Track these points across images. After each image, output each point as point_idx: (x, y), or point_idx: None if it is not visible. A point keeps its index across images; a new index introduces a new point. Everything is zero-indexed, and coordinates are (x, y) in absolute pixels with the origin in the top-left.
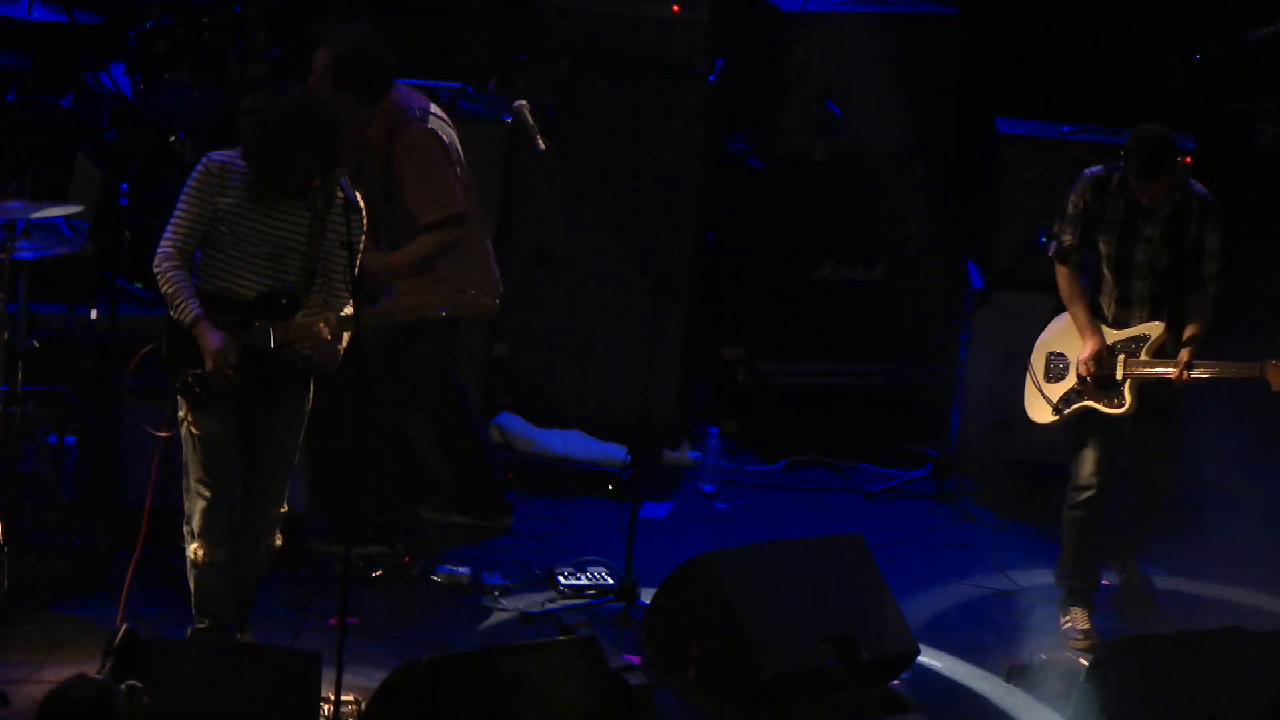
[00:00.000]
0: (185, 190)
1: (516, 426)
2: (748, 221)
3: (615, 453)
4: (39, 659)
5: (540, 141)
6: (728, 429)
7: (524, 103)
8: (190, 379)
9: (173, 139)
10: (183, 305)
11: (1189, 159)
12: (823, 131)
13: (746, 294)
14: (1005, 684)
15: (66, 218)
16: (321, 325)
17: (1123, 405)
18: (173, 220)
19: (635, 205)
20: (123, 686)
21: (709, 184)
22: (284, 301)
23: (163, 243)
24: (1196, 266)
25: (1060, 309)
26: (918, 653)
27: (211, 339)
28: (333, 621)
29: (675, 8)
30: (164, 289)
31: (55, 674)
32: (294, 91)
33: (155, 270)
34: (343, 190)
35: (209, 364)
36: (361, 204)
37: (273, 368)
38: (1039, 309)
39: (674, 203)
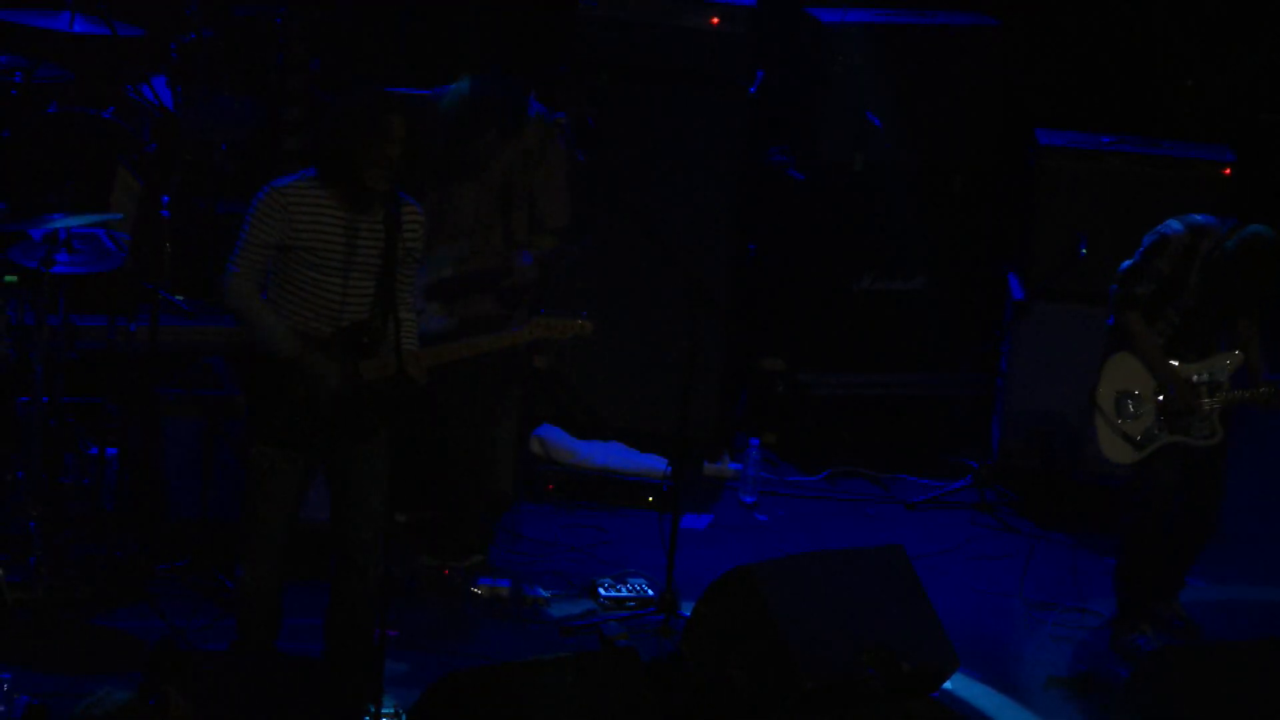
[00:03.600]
0: (249, 217)
1: (557, 438)
2: (788, 233)
3: (656, 464)
4: (80, 671)
5: (580, 153)
6: (768, 440)
7: (564, 115)
8: (279, 424)
9: (214, 151)
10: (279, 335)
11: (1228, 170)
12: (863, 143)
13: (787, 305)
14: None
15: (108, 231)
16: (413, 370)
17: (1215, 436)
18: (239, 248)
19: (676, 216)
20: (156, 694)
21: (749, 195)
22: (365, 339)
23: (230, 270)
24: (1254, 300)
25: (1110, 352)
26: (958, 665)
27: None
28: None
29: (715, 20)
30: (250, 319)
31: (96, 686)
32: (364, 89)
33: (232, 301)
34: (405, 199)
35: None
36: (421, 212)
37: (357, 406)
38: (1079, 320)
39: (714, 214)
